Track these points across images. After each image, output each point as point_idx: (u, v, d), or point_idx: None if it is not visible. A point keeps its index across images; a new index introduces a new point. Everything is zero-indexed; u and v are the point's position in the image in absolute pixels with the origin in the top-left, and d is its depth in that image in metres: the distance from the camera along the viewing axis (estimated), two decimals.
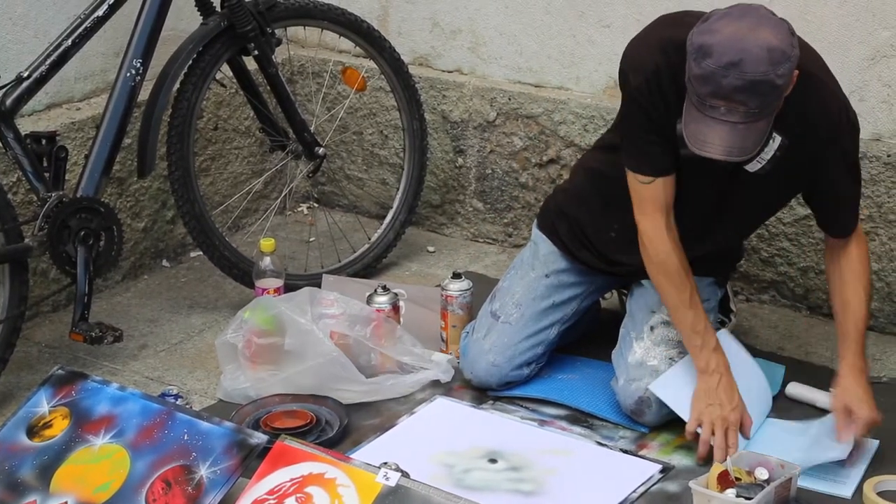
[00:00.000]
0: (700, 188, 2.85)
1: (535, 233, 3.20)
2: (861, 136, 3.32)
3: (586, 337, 3.28)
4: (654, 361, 2.92)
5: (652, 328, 2.97)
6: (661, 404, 2.89)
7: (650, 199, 2.84)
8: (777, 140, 2.73)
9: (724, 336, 2.98)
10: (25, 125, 3.38)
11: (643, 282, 3.02)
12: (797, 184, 2.88)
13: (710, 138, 2.58)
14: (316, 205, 4.34)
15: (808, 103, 2.70)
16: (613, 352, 3.04)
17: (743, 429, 2.82)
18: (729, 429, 2.77)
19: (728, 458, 2.65)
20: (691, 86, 2.58)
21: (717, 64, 2.51)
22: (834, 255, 2.92)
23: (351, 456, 2.67)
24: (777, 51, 2.52)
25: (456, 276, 3.30)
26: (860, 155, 3.29)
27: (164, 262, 3.93)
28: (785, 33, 2.56)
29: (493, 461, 2.84)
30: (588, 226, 3.08)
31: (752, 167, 2.76)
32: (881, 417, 2.82)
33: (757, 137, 2.61)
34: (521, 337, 3.09)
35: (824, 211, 2.92)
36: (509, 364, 3.07)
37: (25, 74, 3.16)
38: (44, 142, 3.20)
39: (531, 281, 3.13)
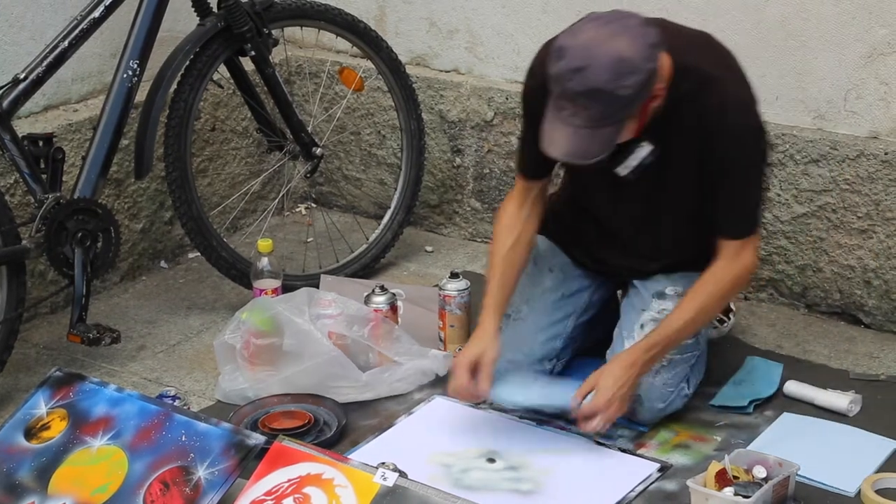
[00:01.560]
0: (621, 196, 2.88)
1: None
2: (858, 133, 3.34)
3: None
4: None
5: (642, 326, 2.96)
6: (653, 401, 2.89)
7: (518, 191, 3.00)
8: (646, 148, 2.74)
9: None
10: (22, 127, 3.37)
11: (634, 282, 3.04)
12: (704, 183, 2.80)
13: (554, 138, 2.62)
14: (314, 205, 4.34)
15: (706, 105, 2.69)
16: (608, 352, 3.03)
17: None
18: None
19: (726, 456, 2.65)
20: (549, 84, 2.61)
21: (566, 67, 2.54)
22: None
23: (349, 456, 2.67)
24: (626, 62, 2.52)
25: (454, 275, 3.30)
26: (857, 153, 3.31)
27: (162, 263, 3.93)
28: (643, 46, 2.55)
29: (491, 461, 2.84)
30: (573, 224, 3.10)
31: (622, 172, 2.78)
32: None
33: (602, 144, 2.62)
34: (535, 331, 3.08)
35: (716, 209, 2.80)
36: (528, 360, 3.06)
37: (22, 76, 3.16)
38: (41, 143, 3.20)
39: (536, 276, 3.13)
